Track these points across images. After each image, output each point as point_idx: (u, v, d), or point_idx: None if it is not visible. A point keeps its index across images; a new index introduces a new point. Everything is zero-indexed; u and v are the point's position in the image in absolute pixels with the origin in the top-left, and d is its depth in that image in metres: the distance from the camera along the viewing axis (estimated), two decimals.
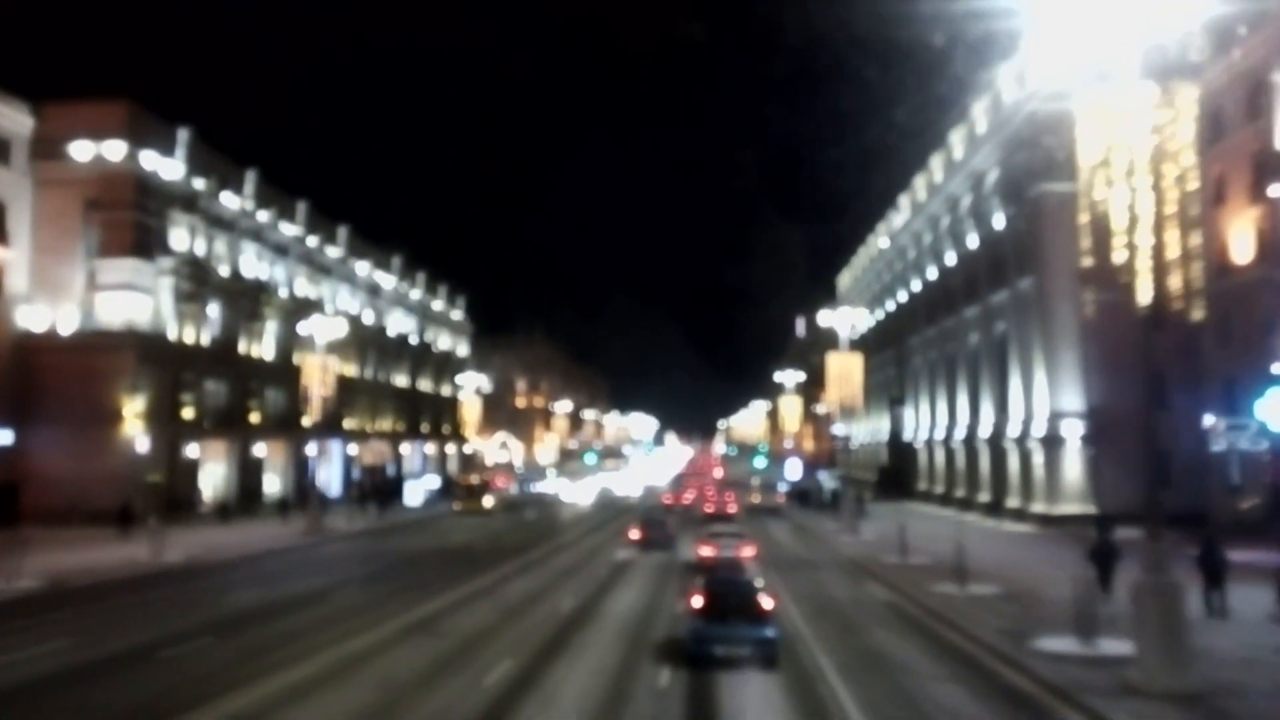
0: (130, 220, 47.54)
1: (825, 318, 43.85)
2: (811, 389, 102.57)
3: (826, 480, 66.17)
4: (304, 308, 66.13)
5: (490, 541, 39.94)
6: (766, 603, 16.28)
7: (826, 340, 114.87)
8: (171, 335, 50.37)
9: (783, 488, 74.20)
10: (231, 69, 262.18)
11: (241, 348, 57.54)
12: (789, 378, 75.70)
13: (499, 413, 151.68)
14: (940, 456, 62.84)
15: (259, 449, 58.57)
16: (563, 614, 21.64)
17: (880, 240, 79.61)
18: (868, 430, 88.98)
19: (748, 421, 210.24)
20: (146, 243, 48.61)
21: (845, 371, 41.09)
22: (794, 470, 74.69)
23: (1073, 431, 43.19)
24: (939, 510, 58.19)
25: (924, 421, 68.06)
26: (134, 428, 46.36)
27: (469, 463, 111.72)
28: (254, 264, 59.19)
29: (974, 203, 54.24)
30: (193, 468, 51.81)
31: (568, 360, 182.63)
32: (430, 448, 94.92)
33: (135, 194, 47.75)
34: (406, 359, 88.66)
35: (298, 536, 40.82)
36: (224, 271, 55.64)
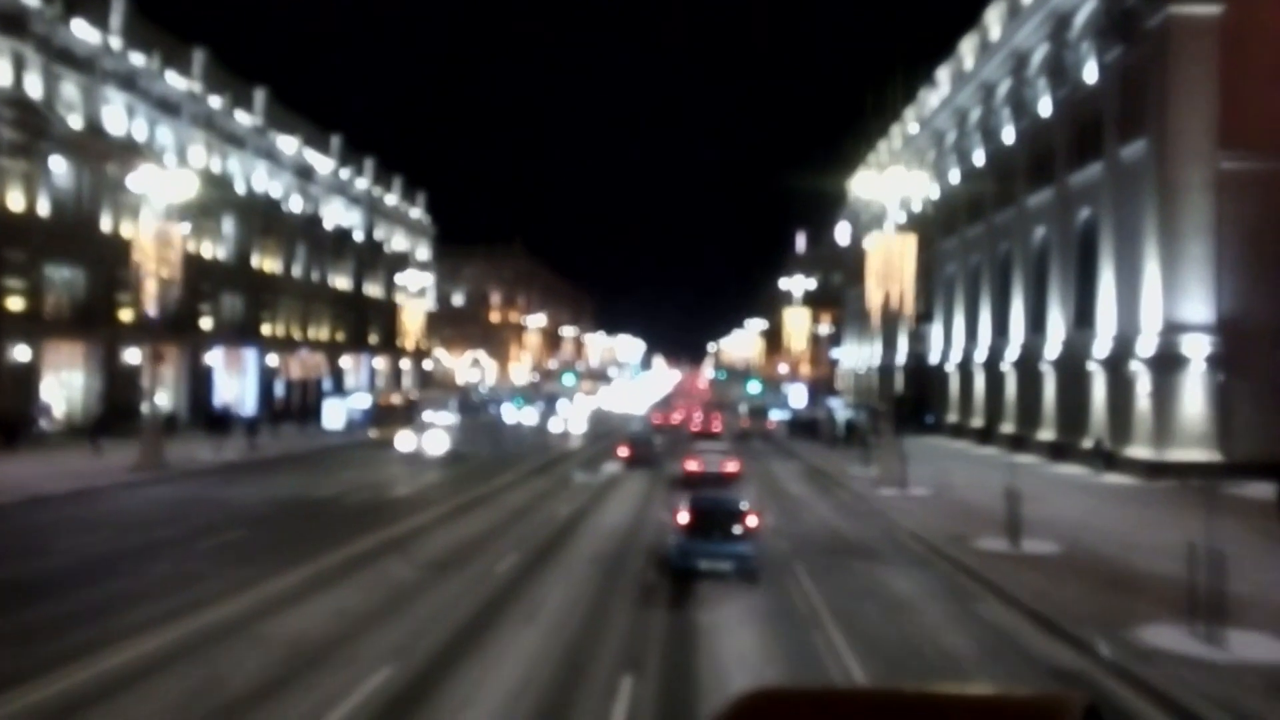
0: None
1: (863, 184, 31.57)
2: (813, 308, 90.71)
3: (839, 409, 54.66)
4: (203, 179, 53.54)
5: (374, 490, 28.15)
6: (750, 520, 16.58)
7: (830, 255, 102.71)
8: None
9: (778, 415, 63.21)
10: None
11: (105, 225, 45.05)
12: (796, 284, 63.50)
13: (472, 328, 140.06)
14: (980, 383, 51.30)
15: (133, 355, 46.50)
16: None
17: (909, 127, 66.75)
18: (871, 354, 77.29)
19: (739, 344, 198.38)
20: None
21: (892, 261, 28.98)
22: (798, 396, 63.14)
23: (1196, 350, 31.53)
24: (978, 449, 46.93)
25: (958, 341, 56.40)
26: None
27: (428, 380, 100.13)
28: (122, 119, 46.34)
29: (1051, 55, 41.57)
30: (26, 375, 39.81)
31: (550, 274, 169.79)
32: (381, 362, 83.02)
33: None
34: (349, 258, 76.09)
35: (121, 473, 29.14)
36: (75, 123, 42.89)
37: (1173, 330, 31.85)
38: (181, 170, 36.78)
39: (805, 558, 17.87)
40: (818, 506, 26.49)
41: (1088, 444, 35.68)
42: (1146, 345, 32.51)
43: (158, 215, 31.18)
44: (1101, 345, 35.97)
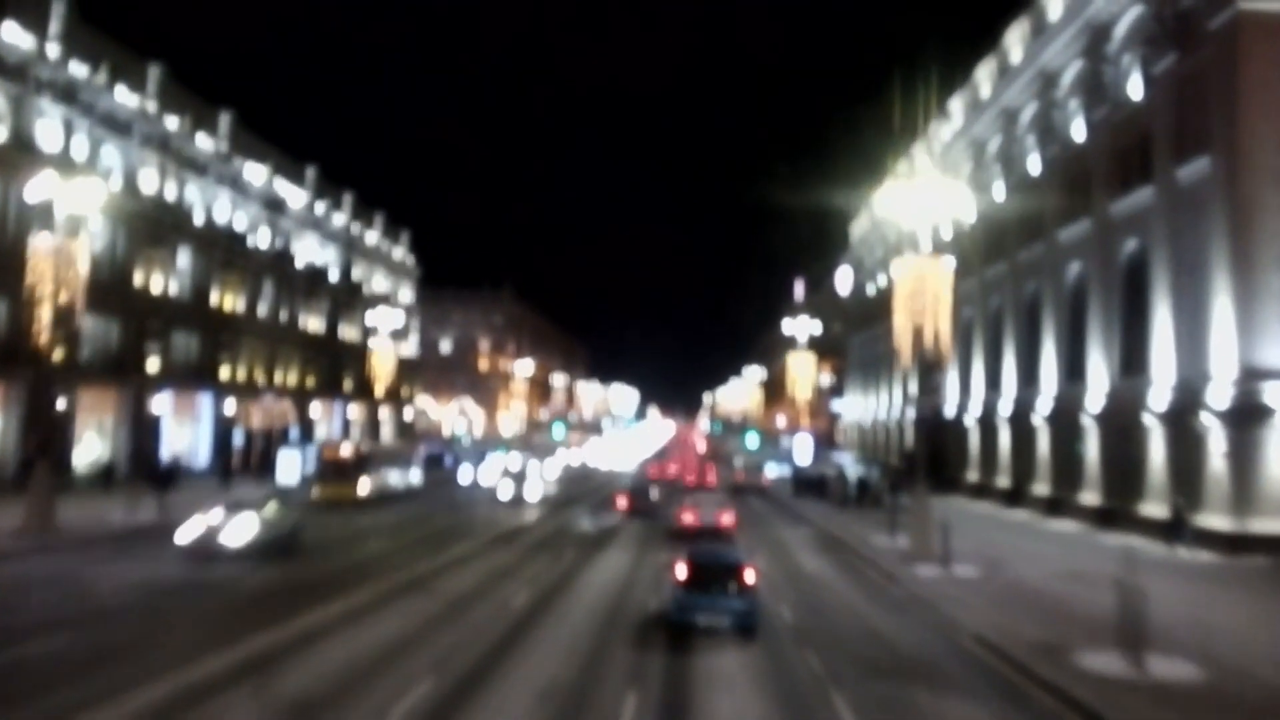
0: None
1: (890, 197, 27.11)
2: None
3: (850, 466, 49.53)
4: (154, 206, 49.15)
5: (284, 568, 22.51)
6: (748, 576, 16.49)
7: (830, 303, 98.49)
8: None
9: (775, 470, 58.43)
10: None
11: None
12: (801, 327, 58.76)
13: (459, 375, 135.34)
14: (1005, 438, 46.38)
15: (62, 399, 41.47)
16: None
17: (918, 161, 62.64)
18: (877, 406, 72.59)
19: (736, 395, 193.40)
20: None
21: (925, 288, 24.23)
22: (804, 451, 58.01)
23: None
24: (1007, 513, 41.94)
25: (977, 392, 51.62)
26: None
27: (409, 430, 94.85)
28: (59, 134, 41.93)
29: (1087, 72, 37.44)
30: None
31: (542, 321, 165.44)
32: (356, 410, 77.88)
33: None
34: (323, 298, 71.45)
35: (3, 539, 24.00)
36: None
37: (1252, 377, 27.09)
38: (88, 178, 32.16)
39: (846, 684, 12.72)
40: (844, 592, 21.29)
41: (1153, 511, 30.67)
42: (1219, 395, 27.71)
43: (60, 229, 26.52)
44: (1159, 395, 31.16)
